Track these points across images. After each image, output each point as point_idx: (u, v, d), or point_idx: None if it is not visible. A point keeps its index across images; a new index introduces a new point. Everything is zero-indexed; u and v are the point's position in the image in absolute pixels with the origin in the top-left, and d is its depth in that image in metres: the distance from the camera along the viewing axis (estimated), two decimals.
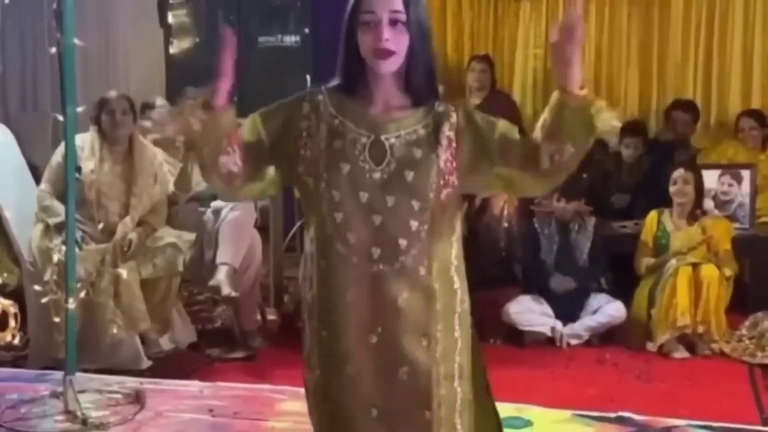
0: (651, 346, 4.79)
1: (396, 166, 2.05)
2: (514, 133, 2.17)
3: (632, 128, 6.02)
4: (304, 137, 2.09)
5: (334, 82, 2.16)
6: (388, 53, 2.02)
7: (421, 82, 2.10)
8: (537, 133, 2.13)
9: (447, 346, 2.16)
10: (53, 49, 3.68)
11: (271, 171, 2.14)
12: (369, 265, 2.04)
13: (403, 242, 2.05)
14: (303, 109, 2.12)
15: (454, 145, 2.10)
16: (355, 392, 2.07)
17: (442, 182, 2.06)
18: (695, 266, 4.76)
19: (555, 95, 2.13)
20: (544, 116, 2.12)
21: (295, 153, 2.09)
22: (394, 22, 2.01)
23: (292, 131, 2.10)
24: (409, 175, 2.05)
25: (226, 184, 2.08)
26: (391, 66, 2.04)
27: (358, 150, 2.06)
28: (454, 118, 2.13)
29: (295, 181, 2.13)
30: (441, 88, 2.23)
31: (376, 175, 2.05)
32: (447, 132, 2.10)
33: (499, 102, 6.46)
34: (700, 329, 4.71)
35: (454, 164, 2.09)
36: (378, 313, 2.05)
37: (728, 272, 4.84)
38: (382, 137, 2.07)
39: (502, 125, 2.18)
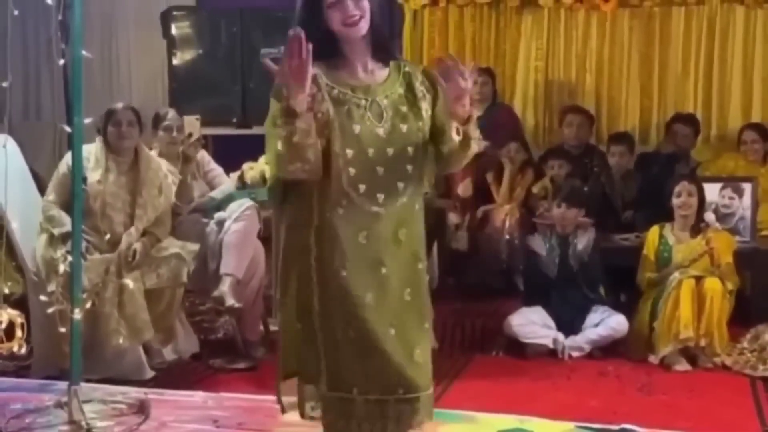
0: (653, 359, 4.80)
1: (392, 122, 2.45)
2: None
3: (618, 137, 6.06)
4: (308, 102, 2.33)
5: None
6: (356, 21, 2.39)
7: (385, 40, 2.53)
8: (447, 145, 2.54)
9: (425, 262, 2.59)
10: (61, 61, 3.70)
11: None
12: (376, 208, 2.43)
13: (400, 185, 2.47)
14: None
15: (425, 96, 2.52)
16: (378, 316, 2.43)
17: (425, 128, 2.51)
18: (698, 279, 4.78)
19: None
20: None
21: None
22: None
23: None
24: (404, 128, 2.46)
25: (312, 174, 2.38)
26: (361, 30, 2.41)
27: (362, 112, 2.42)
28: (419, 75, 2.54)
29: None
30: None
31: (379, 131, 2.44)
32: (419, 87, 2.52)
33: (500, 114, 6.50)
34: (703, 342, 4.73)
35: (429, 112, 2.52)
36: (385, 248, 2.45)
37: (730, 286, 4.86)
38: (378, 99, 2.45)
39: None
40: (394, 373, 2.43)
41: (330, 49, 2.43)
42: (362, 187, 2.41)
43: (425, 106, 2.51)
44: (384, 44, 2.51)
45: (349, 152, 2.40)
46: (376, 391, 2.45)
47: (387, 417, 2.46)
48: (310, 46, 2.23)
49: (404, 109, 2.47)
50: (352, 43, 2.45)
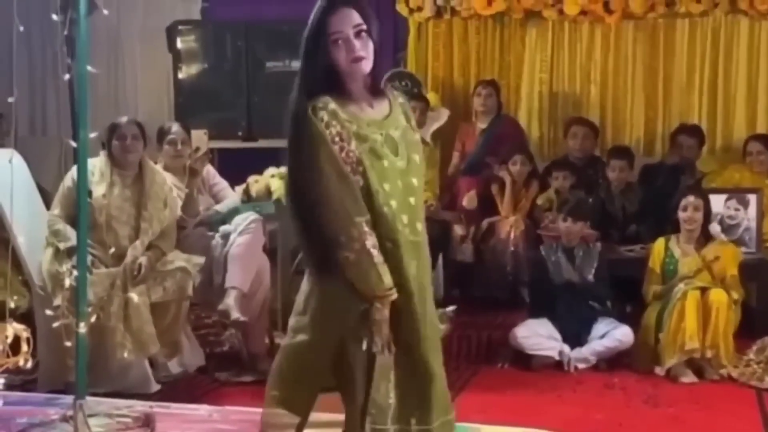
0: (659, 371, 4.79)
1: (407, 154, 2.51)
2: None
3: (618, 151, 6.06)
4: (337, 142, 2.40)
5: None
6: (361, 59, 2.44)
7: (381, 76, 2.66)
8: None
9: None
10: (67, 76, 3.71)
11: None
12: (415, 238, 2.50)
13: (422, 215, 2.56)
14: (324, 118, 2.41)
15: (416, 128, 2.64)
16: (419, 326, 2.52)
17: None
18: (703, 290, 4.78)
19: None
20: None
21: (338, 158, 2.41)
22: (358, 34, 2.44)
23: (326, 141, 2.40)
24: (416, 158, 2.55)
25: None
26: (365, 68, 2.47)
27: (381, 147, 2.45)
28: (408, 107, 2.63)
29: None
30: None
31: (400, 164, 2.49)
32: (412, 117, 2.62)
33: (505, 126, 6.50)
34: (709, 354, 4.72)
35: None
36: (425, 276, 2.54)
37: (735, 296, 4.85)
38: (390, 132, 2.50)
39: None
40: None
41: (334, 85, 2.47)
42: (405, 219, 2.48)
43: (419, 138, 2.63)
44: (380, 80, 2.58)
45: (386, 186, 2.45)
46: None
47: None
48: None
49: (410, 138, 2.55)
50: (357, 80, 2.49)
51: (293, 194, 2.54)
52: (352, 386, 2.55)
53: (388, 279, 2.40)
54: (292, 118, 2.48)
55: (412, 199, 2.50)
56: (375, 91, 2.54)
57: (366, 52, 2.44)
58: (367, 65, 2.46)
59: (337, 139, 2.40)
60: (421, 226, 2.53)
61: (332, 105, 2.42)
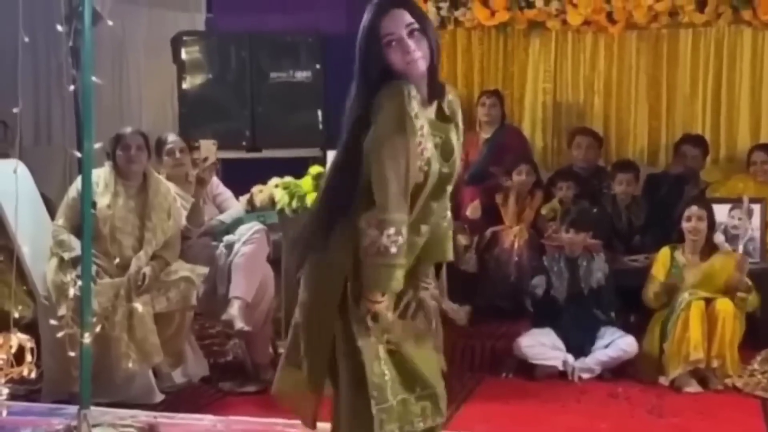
0: (663, 380, 4.78)
1: (454, 158, 2.48)
2: None
3: (623, 165, 6.06)
4: (419, 135, 2.37)
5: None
6: (416, 59, 2.38)
7: (438, 74, 2.48)
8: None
9: None
10: (71, 87, 3.73)
11: None
12: (418, 238, 2.50)
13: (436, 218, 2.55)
14: (414, 108, 2.36)
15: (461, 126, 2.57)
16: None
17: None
18: (709, 300, 4.77)
19: None
20: None
21: (414, 150, 2.36)
22: (411, 33, 2.38)
23: (414, 131, 2.36)
24: (457, 163, 2.51)
25: None
26: (422, 67, 2.40)
27: (439, 149, 2.43)
28: (457, 102, 2.57)
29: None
30: None
31: (445, 170, 2.46)
32: (459, 113, 2.56)
33: (508, 136, 6.51)
34: (715, 363, 4.71)
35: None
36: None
37: (755, 304, 4.91)
38: (450, 135, 2.48)
39: None
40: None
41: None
42: (445, 224, 2.61)
43: (461, 136, 2.56)
44: (437, 79, 2.48)
45: (437, 190, 2.47)
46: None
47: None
48: None
49: (456, 141, 2.52)
50: (415, 81, 2.42)
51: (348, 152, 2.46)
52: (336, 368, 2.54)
53: (398, 285, 2.38)
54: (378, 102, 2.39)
55: (434, 204, 2.50)
56: (433, 90, 2.47)
57: (421, 50, 2.39)
58: (422, 64, 2.39)
59: (420, 132, 2.37)
60: (427, 230, 2.53)
61: (414, 93, 2.37)
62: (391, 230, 2.33)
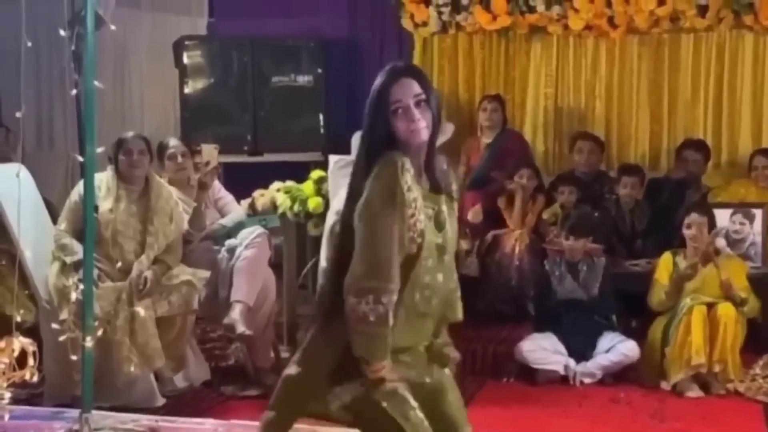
0: (665, 385, 4.78)
1: (449, 229, 2.54)
2: None
3: (629, 169, 6.06)
4: (412, 207, 2.42)
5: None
6: (420, 129, 2.46)
7: (434, 146, 2.53)
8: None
9: None
10: (74, 91, 3.74)
11: None
12: (426, 310, 2.54)
13: (444, 292, 2.60)
14: (408, 181, 2.43)
15: (456, 196, 2.63)
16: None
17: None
18: (710, 305, 4.77)
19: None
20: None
21: (406, 221, 2.42)
22: (418, 103, 2.47)
23: (408, 202, 2.41)
24: (450, 234, 2.55)
25: None
26: (423, 137, 2.48)
27: (431, 221, 2.49)
28: (452, 173, 2.64)
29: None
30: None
31: (439, 241, 2.51)
32: (454, 186, 2.62)
33: (510, 140, 6.51)
34: (717, 368, 4.71)
35: None
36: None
37: (754, 307, 4.91)
38: (442, 207, 2.53)
39: None
40: None
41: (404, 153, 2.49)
42: (434, 300, 2.57)
43: (455, 207, 2.62)
44: (435, 153, 2.55)
45: (429, 261, 2.49)
46: None
47: None
48: None
49: (450, 212, 2.57)
50: (414, 150, 2.50)
51: (346, 225, 2.50)
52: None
53: (382, 354, 2.41)
54: (374, 169, 2.45)
55: (440, 276, 2.54)
56: (429, 160, 2.54)
57: (425, 120, 2.47)
58: (425, 134, 2.48)
59: (413, 205, 2.43)
60: (437, 304, 2.58)
61: (407, 166, 2.44)
62: (370, 298, 2.36)
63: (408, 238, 2.43)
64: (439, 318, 2.65)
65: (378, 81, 2.51)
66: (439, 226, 2.52)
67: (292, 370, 2.63)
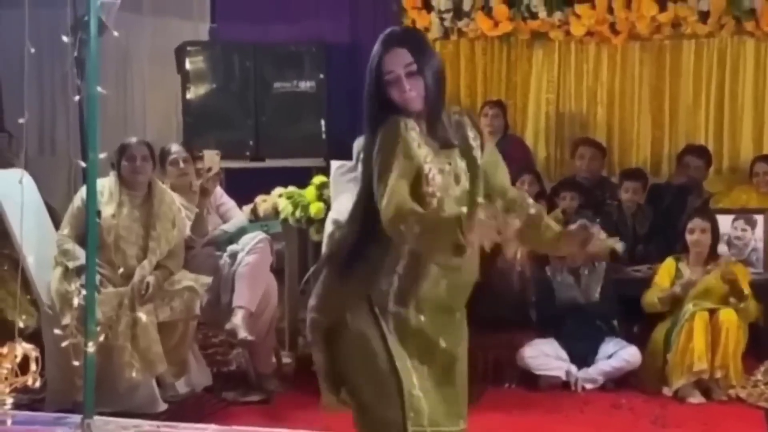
0: (667, 391, 4.78)
1: (463, 182, 2.58)
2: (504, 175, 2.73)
3: (632, 173, 6.07)
4: (421, 161, 2.50)
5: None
6: (412, 97, 2.53)
7: (438, 109, 2.58)
8: (529, 209, 2.63)
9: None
10: (77, 97, 3.75)
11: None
12: (460, 262, 2.53)
13: None
14: (414, 138, 2.52)
15: (476, 144, 2.64)
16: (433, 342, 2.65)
17: (481, 177, 2.63)
18: (712, 311, 4.77)
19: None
20: (543, 222, 2.62)
21: (420, 175, 2.50)
22: (409, 74, 2.53)
23: (416, 156, 2.50)
24: (466, 185, 2.59)
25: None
26: (417, 106, 2.55)
27: (447, 177, 2.55)
28: (467, 120, 2.65)
29: (414, 198, 2.47)
30: None
31: (458, 192, 2.57)
32: (470, 134, 2.64)
33: (511, 146, 6.50)
34: (718, 374, 4.71)
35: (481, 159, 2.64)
36: (459, 298, 2.72)
37: (755, 313, 4.89)
38: (458, 161, 2.58)
39: (498, 156, 2.74)
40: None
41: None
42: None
43: (478, 154, 2.63)
44: (438, 115, 2.58)
45: (449, 211, 2.51)
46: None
47: None
48: None
49: (465, 165, 2.60)
50: (415, 115, 2.56)
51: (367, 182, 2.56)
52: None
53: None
54: (377, 132, 2.53)
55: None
56: (431, 122, 2.58)
57: (416, 90, 2.53)
58: (418, 102, 2.54)
59: (424, 159, 2.51)
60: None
61: (411, 125, 2.52)
62: (410, 219, 2.39)
63: (427, 192, 2.50)
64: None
65: (374, 49, 2.57)
66: (456, 179, 2.56)
67: (313, 314, 2.67)
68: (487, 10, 6.74)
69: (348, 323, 2.58)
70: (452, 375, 2.67)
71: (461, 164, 2.59)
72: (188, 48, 7.03)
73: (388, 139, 2.50)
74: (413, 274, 2.55)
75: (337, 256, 2.66)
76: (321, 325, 2.65)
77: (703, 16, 6.38)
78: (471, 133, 2.64)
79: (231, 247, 4.93)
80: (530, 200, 2.75)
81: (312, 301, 2.69)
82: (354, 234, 2.60)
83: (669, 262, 5.11)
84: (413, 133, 2.51)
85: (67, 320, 4.29)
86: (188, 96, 6.97)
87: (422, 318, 2.58)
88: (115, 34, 4.19)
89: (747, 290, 4.88)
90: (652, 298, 5.03)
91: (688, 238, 5.03)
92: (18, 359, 3.81)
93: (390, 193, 2.42)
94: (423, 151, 2.51)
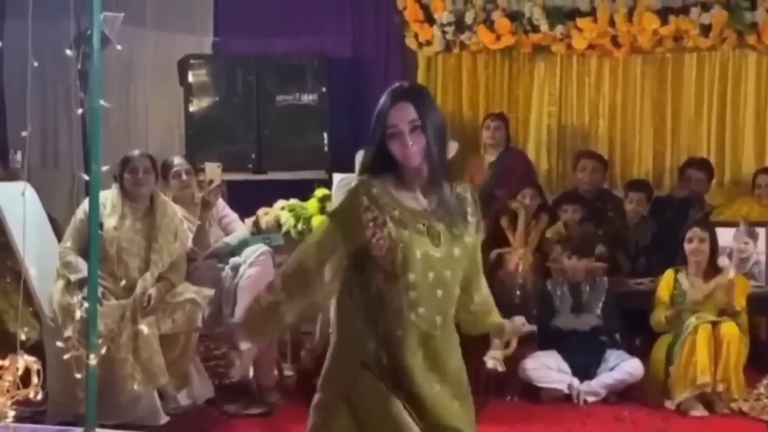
0: (669, 404, 4.77)
1: (447, 246, 2.57)
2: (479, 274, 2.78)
3: (637, 184, 6.07)
4: (371, 227, 2.53)
5: (371, 176, 2.60)
6: (412, 153, 2.55)
7: (440, 171, 2.60)
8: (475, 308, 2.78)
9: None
10: (80, 110, 3.76)
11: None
12: (434, 330, 2.56)
13: (451, 310, 2.62)
14: (363, 202, 2.55)
15: (474, 219, 2.66)
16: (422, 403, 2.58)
17: (472, 250, 2.65)
18: (714, 324, 4.77)
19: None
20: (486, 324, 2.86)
21: (365, 242, 2.52)
22: (413, 129, 2.55)
23: (359, 224, 2.53)
24: (456, 251, 2.58)
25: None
26: (416, 161, 2.56)
27: (422, 237, 2.54)
28: (470, 197, 2.67)
29: (368, 264, 2.55)
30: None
31: (438, 255, 2.55)
32: (469, 210, 2.65)
33: (513, 159, 6.52)
34: (720, 387, 4.70)
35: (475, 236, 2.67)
36: (436, 366, 2.59)
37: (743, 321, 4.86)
38: (434, 223, 2.57)
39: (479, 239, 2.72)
40: None
41: (392, 169, 2.61)
42: (421, 310, 2.54)
43: (472, 230, 2.65)
44: (438, 174, 2.60)
45: (411, 276, 2.52)
46: None
47: None
48: None
49: (456, 232, 2.60)
50: (411, 171, 2.59)
51: None
52: None
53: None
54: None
55: (439, 292, 2.56)
56: (430, 181, 2.61)
57: (418, 145, 2.55)
58: (417, 158, 2.56)
59: (371, 224, 2.52)
60: (440, 320, 2.57)
61: (375, 190, 2.55)
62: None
63: (376, 255, 2.52)
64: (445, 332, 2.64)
65: (380, 102, 2.59)
66: (434, 242, 2.56)
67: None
68: (489, 23, 6.76)
69: (360, 392, 2.57)
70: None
71: (443, 230, 2.58)
72: (191, 61, 7.05)
73: (341, 204, 2.61)
74: (389, 346, 2.55)
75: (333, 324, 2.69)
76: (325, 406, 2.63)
77: (705, 30, 6.39)
78: (470, 210, 2.66)
79: (233, 260, 4.94)
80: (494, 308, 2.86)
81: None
82: (339, 299, 2.63)
83: (668, 274, 5.12)
84: (365, 199, 2.54)
85: (69, 332, 4.28)
86: (191, 109, 6.98)
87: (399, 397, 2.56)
88: (118, 47, 4.20)
89: (740, 306, 4.87)
90: (659, 317, 5.02)
91: (687, 247, 5.03)
92: (20, 372, 3.80)
93: (294, 254, 2.59)
94: (371, 214, 2.53)
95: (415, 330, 2.53)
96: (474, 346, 2.88)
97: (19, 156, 6.20)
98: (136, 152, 4.79)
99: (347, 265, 2.57)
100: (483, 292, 2.78)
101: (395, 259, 2.51)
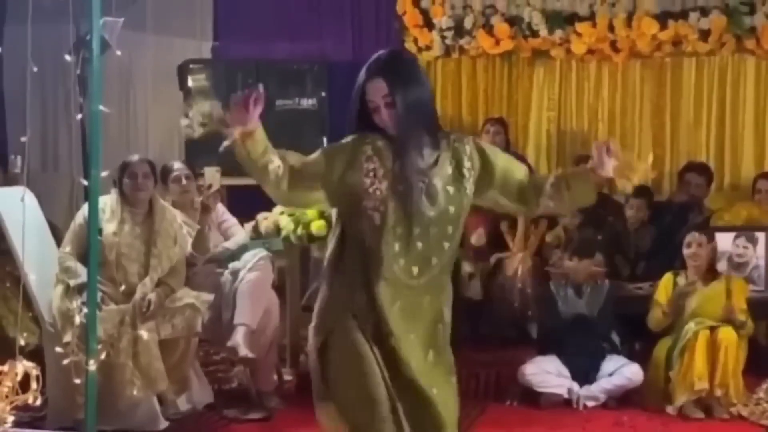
0: (670, 409, 4.77)
1: (443, 204, 2.64)
2: (516, 170, 2.77)
3: (637, 190, 6.06)
4: (370, 177, 2.62)
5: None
6: (389, 125, 2.66)
7: (413, 133, 2.64)
8: (547, 185, 2.73)
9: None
10: (79, 115, 3.76)
11: (319, 195, 2.70)
12: (410, 280, 2.64)
13: (434, 260, 2.66)
14: (366, 151, 2.65)
15: (472, 173, 2.70)
16: (400, 366, 2.64)
17: (467, 207, 2.71)
18: (713, 329, 4.77)
19: (583, 168, 2.78)
20: (565, 179, 2.74)
21: (360, 189, 2.62)
22: (387, 104, 2.65)
23: (357, 169, 2.63)
24: (451, 209, 2.66)
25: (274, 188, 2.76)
26: (393, 131, 2.65)
27: (418, 194, 2.61)
28: (468, 150, 2.72)
29: (355, 212, 2.63)
30: None
31: (431, 213, 2.63)
32: (466, 164, 2.70)
33: None
34: (718, 392, 4.70)
35: (473, 188, 2.71)
36: (413, 317, 2.66)
37: (748, 330, 4.86)
38: (434, 181, 2.64)
39: (504, 160, 2.77)
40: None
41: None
42: (401, 261, 2.63)
43: (470, 186, 2.70)
44: (411, 142, 2.64)
45: (398, 230, 2.61)
46: None
47: None
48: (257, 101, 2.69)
49: (452, 190, 2.67)
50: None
51: None
52: None
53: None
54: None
55: (419, 244, 2.63)
56: (406, 147, 2.66)
57: (392, 120, 2.64)
58: (392, 129, 2.65)
59: (371, 174, 2.62)
60: (418, 271, 2.65)
61: (380, 143, 2.65)
62: None
63: (368, 206, 2.60)
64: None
65: (358, 79, 2.70)
66: (431, 199, 2.63)
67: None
68: (489, 28, 6.77)
69: (337, 342, 2.65)
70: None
71: (439, 185, 2.65)
72: (191, 66, 7.06)
73: (334, 146, 2.72)
74: (373, 296, 2.62)
75: (325, 272, 2.75)
76: (316, 343, 2.71)
77: (704, 35, 6.40)
78: (468, 164, 2.70)
79: (232, 265, 4.94)
80: (540, 175, 2.91)
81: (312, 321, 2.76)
82: (334, 248, 2.71)
83: (667, 278, 5.11)
84: (369, 148, 2.64)
85: (68, 338, 4.28)
86: (190, 113, 6.99)
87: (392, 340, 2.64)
88: (118, 52, 4.21)
89: (743, 316, 4.86)
90: (656, 315, 5.02)
91: (686, 251, 5.03)
92: (19, 377, 3.80)
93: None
94: (371, 165, 2.63)
95: (395, 280, 2.61)
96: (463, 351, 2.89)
97: (18, 161, 6.19)
98: (135, 157, 4.79)
99: (338, 216, 2.69)
100: (522, 173, 2.77)
101: (386, 212, 2.59)
